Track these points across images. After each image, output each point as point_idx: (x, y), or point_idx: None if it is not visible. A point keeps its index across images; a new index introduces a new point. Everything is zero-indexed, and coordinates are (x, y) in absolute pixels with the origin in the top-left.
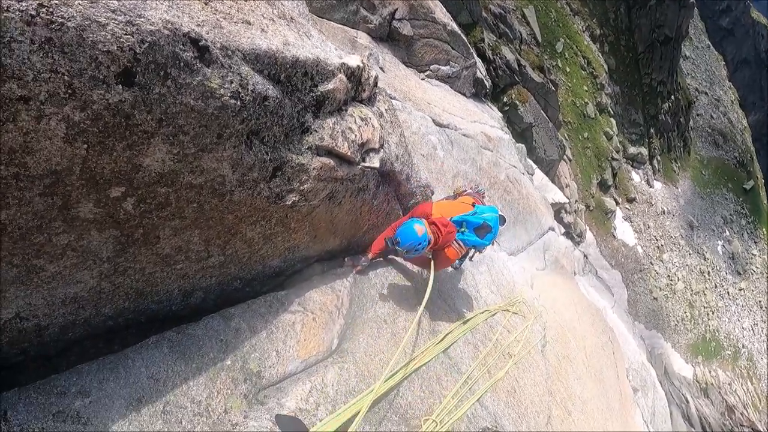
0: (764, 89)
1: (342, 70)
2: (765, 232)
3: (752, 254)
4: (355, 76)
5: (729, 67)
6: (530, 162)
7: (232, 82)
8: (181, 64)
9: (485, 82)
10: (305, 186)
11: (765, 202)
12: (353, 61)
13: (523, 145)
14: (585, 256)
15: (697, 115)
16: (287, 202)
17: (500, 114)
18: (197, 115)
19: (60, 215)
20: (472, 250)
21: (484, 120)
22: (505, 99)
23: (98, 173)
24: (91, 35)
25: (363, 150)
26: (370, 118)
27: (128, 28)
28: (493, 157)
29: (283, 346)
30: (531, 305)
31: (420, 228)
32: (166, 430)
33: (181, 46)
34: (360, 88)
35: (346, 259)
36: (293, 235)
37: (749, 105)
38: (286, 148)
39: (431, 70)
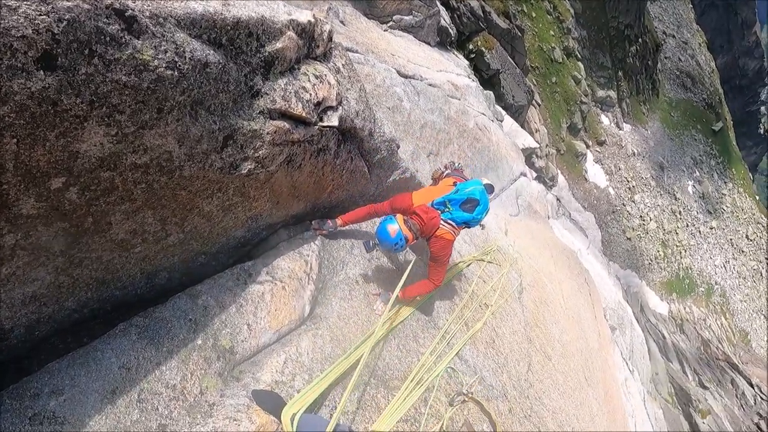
0: (732, 32)
1: (291, 27)
2: (734, 173)
3: (722, 194)
4: (306, 32)
5: (696, 10)
6: (499, 108)
7: (166, 52)
8: (107, 38)
9: (450, 30)
10: (260, 152)
11: (734, 143)
12: (303, 16)
13: (491, 92)
14: (558, 199)
15: (665, 57)
16: (243, 171)
17: (466, 62)
18: (131, 91)
19: (2, 215)
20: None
21: (450, 69)
22: (470, 47)
23: (34, 166)
24: (1, 22)
25: (320, 109)
26: (325, 75)
27: (42, 8)
28: (461, 105)
29: (254, 318)
30: (506, 252)
31: (393, 228)
32: (143, 419)
33: (105, 20)
34: (313, 45)
35: (312, 222)
36: (254, 204)
37: (717, 48)
38: (235, 114)
39: (394, 21)
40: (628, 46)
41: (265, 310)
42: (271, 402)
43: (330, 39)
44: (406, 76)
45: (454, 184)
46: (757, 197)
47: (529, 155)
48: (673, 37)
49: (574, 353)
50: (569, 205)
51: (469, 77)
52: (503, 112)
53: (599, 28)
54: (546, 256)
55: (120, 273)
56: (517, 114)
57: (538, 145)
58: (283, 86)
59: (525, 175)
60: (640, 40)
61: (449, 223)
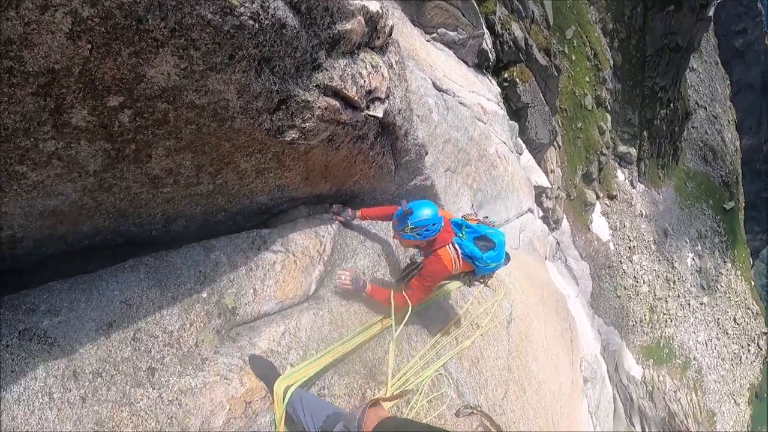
0: (763, 116)
1: (362, 13)
2: (735, 254)
3: (719, 272)
4: (372, 21)
5: (733, 87)
6: (520, 141)
7: (253, 3)
8: None
9: (489, 54)
10: (307, 124)
11: (741, 225)
12: (373, 6)
13: (516, 124)
14: (558, 242)
15: (692, 127)
16: (287, 138)
17: (498, 89)
18: (212, 30)
19: (51, 119)
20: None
21: (482, 92)
22: (506, 75)
23: (98, 78)
24: None
25: (369, 97)
26: (380, 67)
27: None
28: (486, 129)
29: (261, 285)
30: (502, 281)
31: (439, 211)
32: (134, 357)
33: None
34: (374, 35)
35: (333, 206)
36: (286, 173)
37: (745, 129)
38: (294, 82)
39: (438, 34)
40: (659, 108)
41: (273, 279)
42: (265, 370)
43: (390, 34)
44: (439, 89)
45: (479, 222)
46: (753, 283)
47: (539, 193)
48: (705, 108)
49: (546, 393)
50: (567, 251)
51: (498, 104)
52: (523, 146)
53: (634, 84)
54: (537, 295)
55: (142, 209)
56: (537, 151)
57: (550, 186)
58: (342, 66)
59: (532, 212)
60: (671, 104)
61: (455, 249)
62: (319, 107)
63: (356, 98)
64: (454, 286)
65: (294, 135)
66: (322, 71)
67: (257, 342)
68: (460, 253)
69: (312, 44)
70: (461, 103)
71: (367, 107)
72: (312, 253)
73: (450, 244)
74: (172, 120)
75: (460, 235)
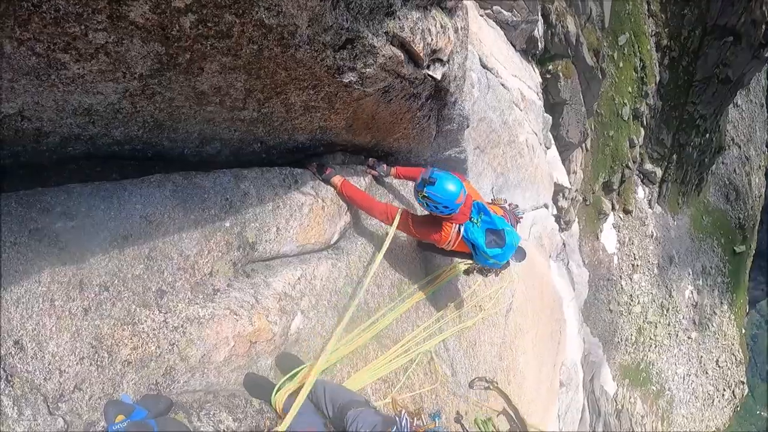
0: None
1: None
2: (734, 298)
3: (714, 312)
4: None
5: None
6: (550, 136)
7: None
8: None
9: (539, 43)
10: (368, 70)
11: (747, 271)
12: None
13: (550, 117)
14: (564, 244)
15: (722, 162)
16: (344, 80)
17: (540, 79)
18: None
19: (108, 8)
20: (468, 264)
21: (524, 78)
22: (550, 67)
23: None
24: None
25: (432, 57)
26: (448, 28)
27: None
28: (521, 116)
29: (285, 224)
30: (509, 269)
31: (461, 196)
32: (145, 276)
33: None
34: None
35: (369, 159)
36: (332, 116)
37: None
38: (365, 23)
39: (493, 11)
40: (694, 135)
41: (298, 222)
42: (260, 388)
43: None
44: (484, 66)
45: (504, 216)
46: (744, 331)
47: (557, 191)
48: (739, 147)
49: (526, 389)
50: (572, 254)
51: (537, 94)
52: (552, 141)
53: (675, 105)
54: (537, 290)
55: (180, 124)
56: (564, 149)
57: (569, 187)
58: (414, 19)
59: (547, 207)
60: (707, 135)
61: (461, 231)
62: (383, 55)
63: (421, 54)
64: (463, 267)
65: (352, 78)
66: (394, 19)
67: (272, 282)
68: (461, 235)
69: None
70: (502, 85)
71: (428, 66)
72: (341, 202)
73: (456, 224)
74: (235, 35)
75: (475, 220)
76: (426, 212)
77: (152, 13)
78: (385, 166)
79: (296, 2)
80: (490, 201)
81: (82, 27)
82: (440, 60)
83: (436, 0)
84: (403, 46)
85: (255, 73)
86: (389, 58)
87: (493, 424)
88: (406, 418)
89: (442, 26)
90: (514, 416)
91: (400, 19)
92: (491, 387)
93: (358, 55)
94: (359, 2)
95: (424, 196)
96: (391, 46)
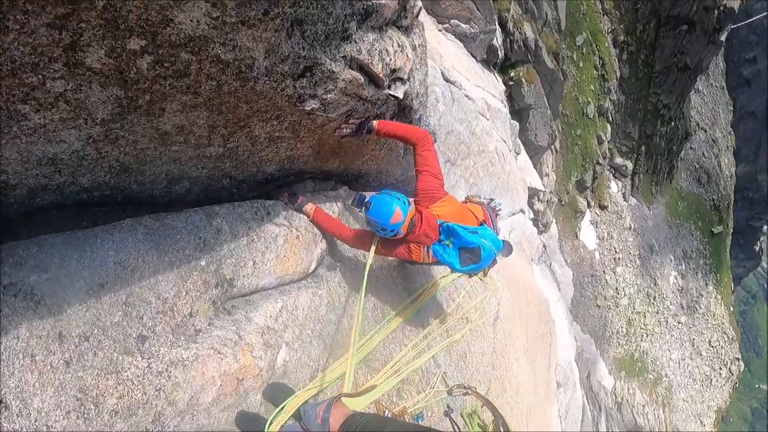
0: (761, 146)
1: None
2: (718, 278)
3: (700, 294)
4: None
5: (735, 114)
6: (519, 141)
7: None
8: None
9: (499, 51)
10: (329, 95)
11: (727, 251)
12: None
13: (517, 123)
14: (545, 246)
15: (690, 148)
16: (306, 108)
17: (503, 87)
18: None
19: (63, 56)
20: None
21: (488, 88)
22: (512, 74)
23: (122, 16)
24: None
25: (392, 76)
26: (405, 47)
27: None
28: (488, 126)
29: (262, 257)
30: (492, 277)
31: (398, 215)
32: (124, 323)
33: None
34: (403, 14)
35: (344, 188)
36: (299, 145)
37: (742, 156)
38: (322, 49)
39: (450, 25)
40: (660, 125)
41: (274, 253)
42: (252, 424)
43: (417, 15)
44: (447, 80)
45: (482, 223)
46: (732, 309)
47: (531, 195)
48: (705, 131)
49: (523, 393)
50: (553, 255)
51: (502, 102)
52: (522, 147)
53: (638, 98)
54: (522, 295)
55: (146, 167)
56: (534, 153)
57: (543, 189)
58: (371, 41)
59: (523, 212)
60: (672, 123)
61: (430, 251)
62: (343, 79)
63: (381, 75)
64: (446, 280)
65: (314, 105)
66: (350, 43)
67: (253, 316)
68: (430, 255)
69: (345, 13)
70: (467, 97)
71: (389, 86)
72: (315, 230)
73: (425, 247)
74: (193, 73)
75: (447, 243)
76: None
77: (108, 57)
78: (299, 198)
79: (251, 35)
80: (464, 200)
81: (40, 76)
82: (401, 79)
83: (391, 20)
84: (362, 68)
85: (216, 109)
86: (349, 82)
87: (478, 416)
88: None
89: (399, 45)
90: (496, 420)
91: (356, 43)
92: (470, 393)
93: (318, 82)
94: (314, 29)
95: (366, 220)
96: (350, 69)
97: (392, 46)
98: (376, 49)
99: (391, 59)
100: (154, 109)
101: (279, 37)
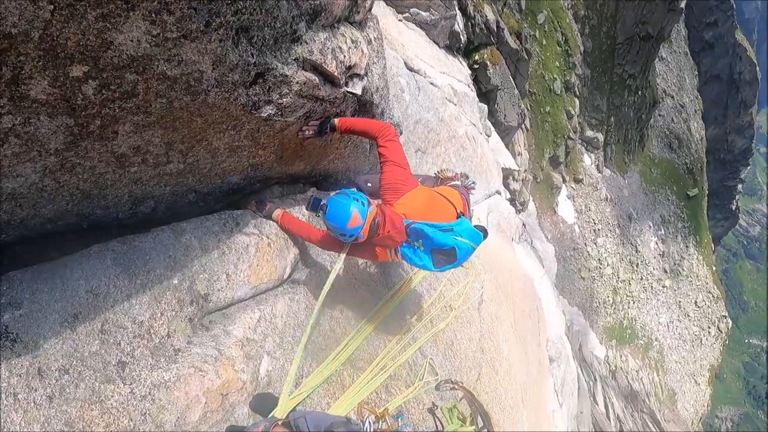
0: (729, 107)
1: None
2: (698, 240)
3: (682, 257)
4: None
5: (700, 78)
6: (489, 123)
7: None
8: None
9: (461, 36)
10: (285, 99)
11: (704, 212)
12: None
13: (485, 106)
14: (524, 224)
15: (659, 115)
16: (263, 114)
17: (469, 71)
18: None
19: (7, 91)
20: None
21: (453, 73)
22: (476, 57)
23: (60, 44)
24: None
25: (348, 73)
26: (359, 42)
27: None
28: (456, 111)
29: (235, 269)
30: (472, 262)
31: (356, 219)
32: (102, 351)
33: None
34: (355, 9)
35: (312, 190)
36: (260, 152)
37: (710, 119)
38: (273, 54)
39: (410, 13)
40: (627, 95)
41: (247, 263)
42: None
43: (370, 9)
44: (411, 70)
45: (459, 215)
46: (714, 268)
47: (506, 176)
48: (672, 97)
49: (516, 374)
50: (533, 233)
51: (468, 86)
52: (492, 128)
53: (603, 71)
54: (506, 276)
55: (108, 191)
56: (505, 134)
57: (517, 169)
58: (322, 40)
59: (500, 194)
60: (639, 92)
61: (398, 254)
62: (297, 82)
63: (336, 74)
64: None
65: (270, 111)
66: (301, 44)
67: (232, 330)
68: (399, 257)
69: (292, 14)
70: (432, 84)
71: (346, 84)
72: (287, 235)
73: (389, 249)
74: (141, 93)
75: (416, 244)
76: None
77: (52, 87)
78: (267, 205)
79: (195, 48)
80: (435, 174)
81: None
82: (357, 75)
83: (342, 17)
84: (316, 68)
85: (170, 126)
86: (304, 84)
87: (458, 410)
88: (369, 422)
89: (353, 41)
90: (480, 415)
91: (307, 43)
92: (456, 387)
93: (272, 87)
94: (261, 35)
95: (326, 226)
96: (303, 71)
97: (345, 42)
98: (328, 48)
99: (345, 56)
100: (106, 132)
101: (225, 46)
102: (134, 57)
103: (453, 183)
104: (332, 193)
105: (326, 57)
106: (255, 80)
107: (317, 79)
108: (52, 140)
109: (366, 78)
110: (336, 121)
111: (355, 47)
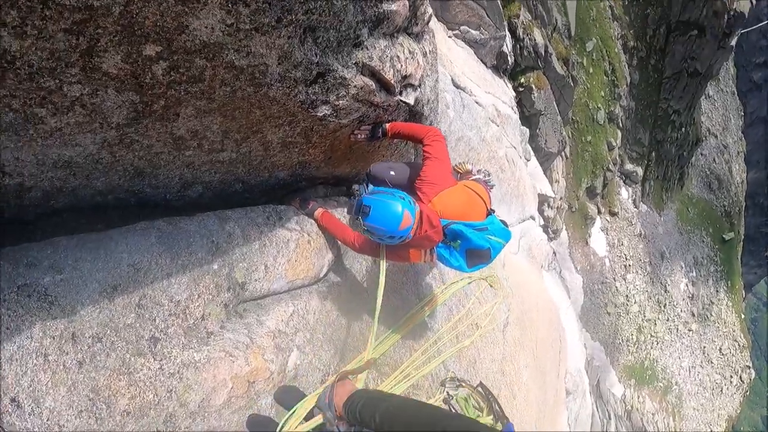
0: None
1: None
2: (729, 285)
3: (711, 301)
4: (415, 5)
5: (746, 119)
6: (529, 148)
7: None
8: None
9: (509, 57)
10: (341, 102)
11: (738, 257)
12: None
13: (527, 130)
14: (554, 253)
15: (701, 154)
16: (318, 113)
17: (513, 93)
18: None
19: (80, 61)
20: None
21: (498, 94)
22: (522, 80)
23: (138, 23)
24: None
25: (403, 83)
26: (416, 53)
27: None
28: (498, 132)
29: (273, 262)
30: (501, 284)
31: (408, 219)
32: (137, 325)
33: None
34: (414, 21)
35: (354, 186)
36: (311, 150)
37: (753, 162)
38: (335, 56)
39: (460, 31)
40: (670, 131)
41: (286, 258)
42: (262, 427)
43: (428, 21)
44: (457, 86)
45: (489, 213)
46: (743, 316)
47: (542, 202)
48: (715, 137)
49: (533, 401)
50: (563, 262)
51: (512, 108)
52: (532, 153)
53: (648, 104)
54: (532, 302)
55: (160, 171)
56: (544, 159)
57: (553, 196)
58: (382, 47)
59: (533, 219)
60: (683, 129)
61: (434, 255)
62: (354, 86)
63: (392, 81)
64: (457, 287)
65: (326, 111)
66: (362, 49)
67: (265, 320)
68: (434, 259)
69: (357, 20)
70: (477, 103)
71: (400, 92)
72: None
73: (425, 250)
74: (207, 79)
75: (453, 245)
76: None
77: (124, 63)
78: (310, 203)
79: (264, 42)
80: (453, 167)
81: (57, 81)
82: (411, 85)
83: (402, 27)
84: (374, 75)
85: (230, 115)
86: (361, 88)
87: (474, 399)
88: None
89: (410, 52)
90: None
91: (368, 49)
92: (462, 386)
93: (330, 88)
94: (327, 36)
95: (365, 229)
96: (361, 76)
97: (403, 52)
98: (387, 56)
99: (402, 66)
100: (168, 114)
101: (292, 43)
102: (206, 43)
103: (475, 177)
104: (367, 194)
105: (384, 64)
106: (315, 79)
107: (374, 85)
108: (115, 114)
109: (419, 89)
110: (387, 126)
111: (412, 58)
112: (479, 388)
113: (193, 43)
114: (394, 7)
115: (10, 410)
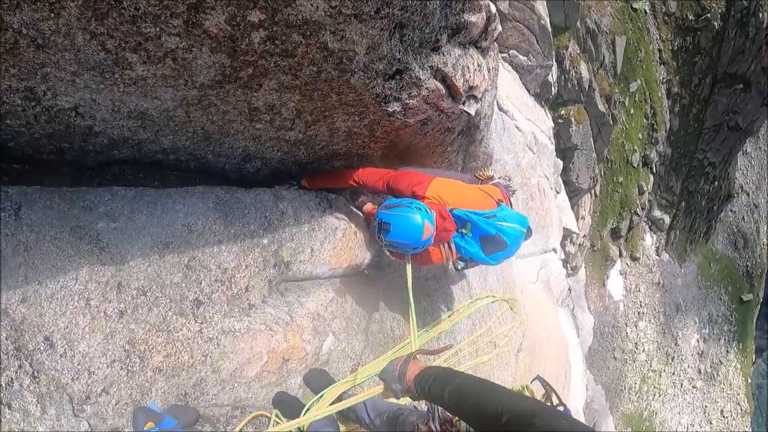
0: None
1: (485, 10)
2: (740, 348)
3: (720, 361)
4: (489, 20)
5: None
6: (560, 180)
7: None
8: None
9: (552, 87)
10: (412, 101)
11: (754, 320)
12: (492, 7)
13: (561, 162)
14: (570, 289)
15: (731, 210)
16: (389, 109)
17: (552, 124)
18: None
19: (185, 14)
20: (463, 263)
21: (538, 122)
22: (562, 111)
23: None
24: None
25: (468, 93)
26: (483, 67)
27: None
28: (534, 160)
29: (320, 247)
30: (520, 310)
31: (428, 228)
32: (183, 285)
33: None
34: (484, 36)
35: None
36: (371, 144)
37: None
38: (414, 56)
39: (509, 54)
40: (703, 182)
41: (332, 245)
42: (288, 407)
43: (496, 38)
44: (501, 109)
45: (499, 202)
46: (750, 380)
47: (565, 236)
48: (747, 195)
49: None
50: (578, 300)
51: (549, 138)
52: (562, 186)
53: (685, 153)
54: (545, 334)
55: (227, 139)
56: (574, 194)
57: (577, 232)
58: (456, 56)
59: (555, 252)
60: (716, 182)
61: (451, 247)
62: (427, 87)
63: (460, 90)
64: (482, 302)
65: (396, 108)
66: (439, 54)
67: (305, 302)
68: (454, 251)
69: (440, 25)
70: (517, 128)
71: (464, 102)
72: None
73: (443, 244)
74: (299, 55)
75: (465, 231)
76: None
77: (227, 24)
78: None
79: (360, 29)
80: (474, 175)
81: (157, 29)
82: (475, 97)
83: (473, 39)
84: (445, 80)
85: (309, 95)
86: (432, 91)
87: (528, 389)
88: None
89: (478, 65)
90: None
91: (444, 55)
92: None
93: (405, 86)
94: (412, 35)
95: (387, 245)
96: (434, 79)
97: (473, 64)
98: (459, 65)
99: (470, 76)
100: (252, 83)
101: (382, 36)
102: (307, 20)
103: (495, 182)
104: (380, 208)
105: (456, 72)
106: (393, 75)
107: (443, 90)
108: (202, 74)
109: (480, 102)
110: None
111: (479, 70)
112: (537, 380)
113: (296, 18)
114: (473, 18)
115: (41, 348)
